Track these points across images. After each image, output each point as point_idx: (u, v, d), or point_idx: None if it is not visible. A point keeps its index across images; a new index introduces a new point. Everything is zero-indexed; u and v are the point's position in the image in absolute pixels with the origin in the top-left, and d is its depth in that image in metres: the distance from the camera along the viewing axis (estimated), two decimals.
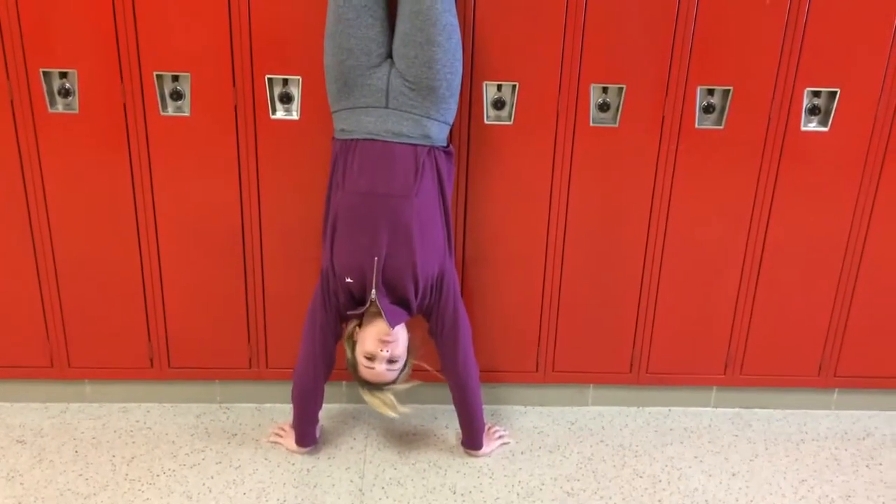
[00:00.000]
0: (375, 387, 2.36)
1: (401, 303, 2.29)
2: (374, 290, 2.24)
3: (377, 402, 2.36)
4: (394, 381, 2.36)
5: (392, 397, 2.36)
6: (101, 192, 2.43)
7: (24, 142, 2.36)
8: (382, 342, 2.26)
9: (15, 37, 2.25)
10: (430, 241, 2.26)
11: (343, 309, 2.33)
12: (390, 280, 2.25)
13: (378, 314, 2.27)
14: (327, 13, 2.17)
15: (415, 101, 2.18)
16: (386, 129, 2.19)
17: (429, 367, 2.43)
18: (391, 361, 2.30)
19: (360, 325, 2.33)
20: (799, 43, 2.32)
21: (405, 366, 2.37)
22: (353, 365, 2.36)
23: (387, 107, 2.19)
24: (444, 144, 2.27)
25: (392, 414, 2.37)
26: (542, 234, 2.53)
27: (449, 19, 2.14)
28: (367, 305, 2.28)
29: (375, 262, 2.22)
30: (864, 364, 2.73)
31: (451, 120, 2.25)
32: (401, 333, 2.31)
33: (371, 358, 2.29)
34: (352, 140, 2.21)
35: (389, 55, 2.22)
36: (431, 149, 2.22)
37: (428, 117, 2.20)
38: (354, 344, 2.34)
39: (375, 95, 2.19)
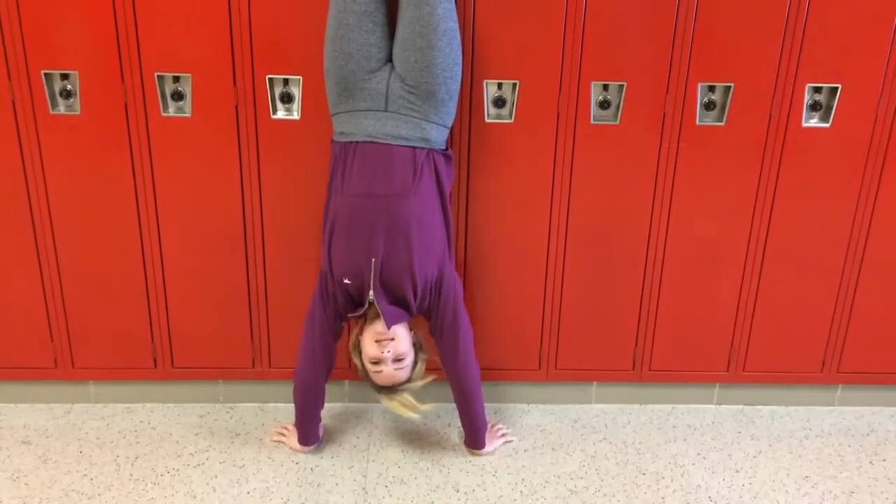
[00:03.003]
0: (391, 390, 2.35)
1: (400, 303, 2.29)
2: (371, 292, 2.25)
3: (396, 405, 2.35)
4: (408, 380, 2.35)
5: (410, 397, 2.35)
6: (103, 193, 2.44)
7: (26, 143, 2.37)
8: (380, 343, 2.27)
9: (16, 38, 2.26)
10: (428, 242, 2.25)
11: (342, 310, 2.33)
12: (388, 281, 2.25)
13: (378, 316, 2.27)
14: (328, 18, 2.17)
15: (414, 105, 2.18)
16: (385, 132, 2.19)
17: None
18: (397, 360, 2.30)
19: (361, 332, 2.34)
20: (800, 39, 2.31)
21: (416, 362, 2.37)
22: (366, 373, 2.36)
23: (386, 110, 2.20)
24: (443, 147, 2.27)
25: (413, 415, 2.36)
26: (543, 232, 2.53)
27: (449, 24, 2.14)
28: (367, 307, 2.28)
29: (373, 264, 2.22)
30: (868, 360, 2.73)
31: (449, 123, 2.26)
32: (400, 331, 2.30)
33: (377, 362, 2.29)
34: (351, 143, 2.21)
35: (389, 59, 2.23)
36: (430, 151, 2.23)
37: (427, 120, 2.20)
38: (361, 353, 2.34)
39: (375, 99, 2.20)
